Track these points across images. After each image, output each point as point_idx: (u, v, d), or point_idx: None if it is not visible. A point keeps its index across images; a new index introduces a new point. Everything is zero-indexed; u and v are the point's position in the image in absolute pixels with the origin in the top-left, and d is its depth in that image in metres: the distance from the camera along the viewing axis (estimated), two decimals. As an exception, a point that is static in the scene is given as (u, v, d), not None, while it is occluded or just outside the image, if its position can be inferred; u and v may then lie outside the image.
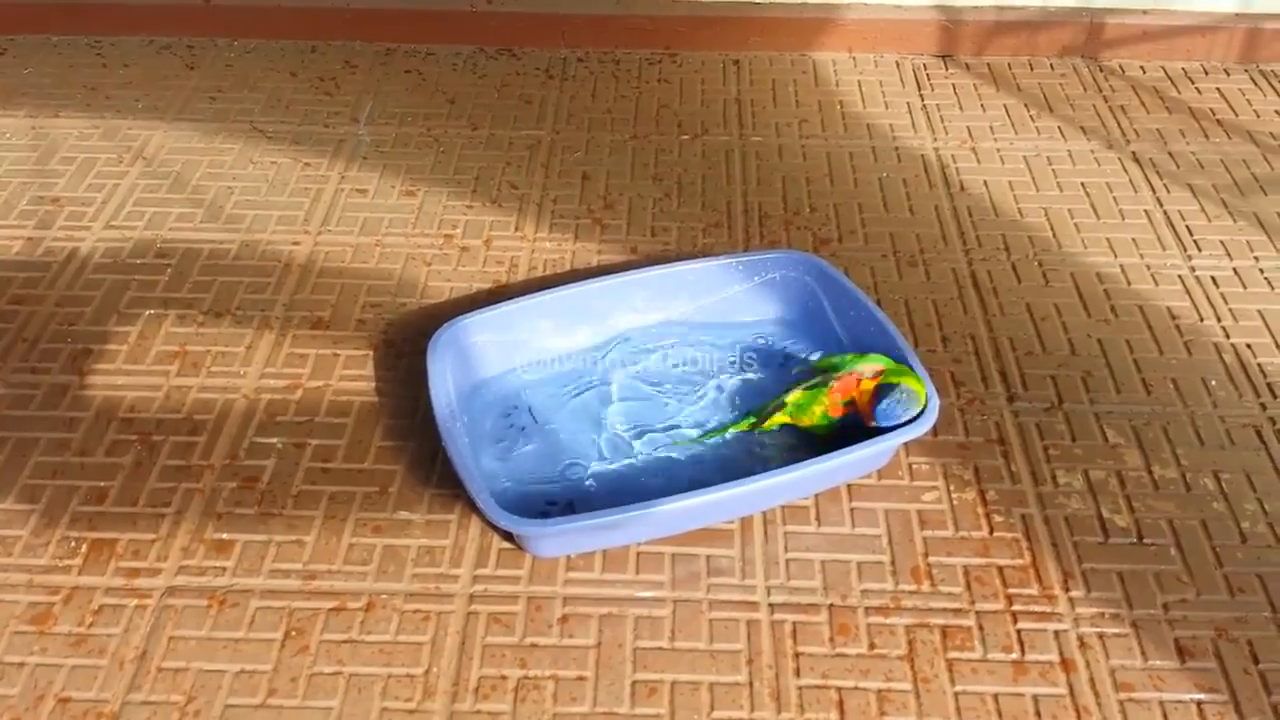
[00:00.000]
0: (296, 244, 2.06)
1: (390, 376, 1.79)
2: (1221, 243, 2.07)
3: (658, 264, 1.89)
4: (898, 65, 2.60)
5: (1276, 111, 2.44)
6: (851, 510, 1.58)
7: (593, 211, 2.15)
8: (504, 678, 1.38)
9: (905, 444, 1.63)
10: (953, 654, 1.41)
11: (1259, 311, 1.91)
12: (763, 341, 1.84)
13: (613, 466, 1.63)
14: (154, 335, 1.86)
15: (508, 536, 1.53)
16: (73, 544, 1.53)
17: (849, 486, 1.61)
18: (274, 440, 1.68)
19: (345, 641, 1.42)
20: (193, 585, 1.48)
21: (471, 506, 1.54)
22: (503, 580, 1.49)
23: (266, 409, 1.73)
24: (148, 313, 1.91)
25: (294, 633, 1.43)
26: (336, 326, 1.88)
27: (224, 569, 1.50)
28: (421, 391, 1.68)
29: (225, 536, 1.54)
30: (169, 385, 1.77)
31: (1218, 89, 2.52)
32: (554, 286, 1.82)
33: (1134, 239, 2.08)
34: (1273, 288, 1.97)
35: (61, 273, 1.99)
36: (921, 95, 2.49)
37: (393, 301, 1.93)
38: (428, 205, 2.16)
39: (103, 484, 1.61)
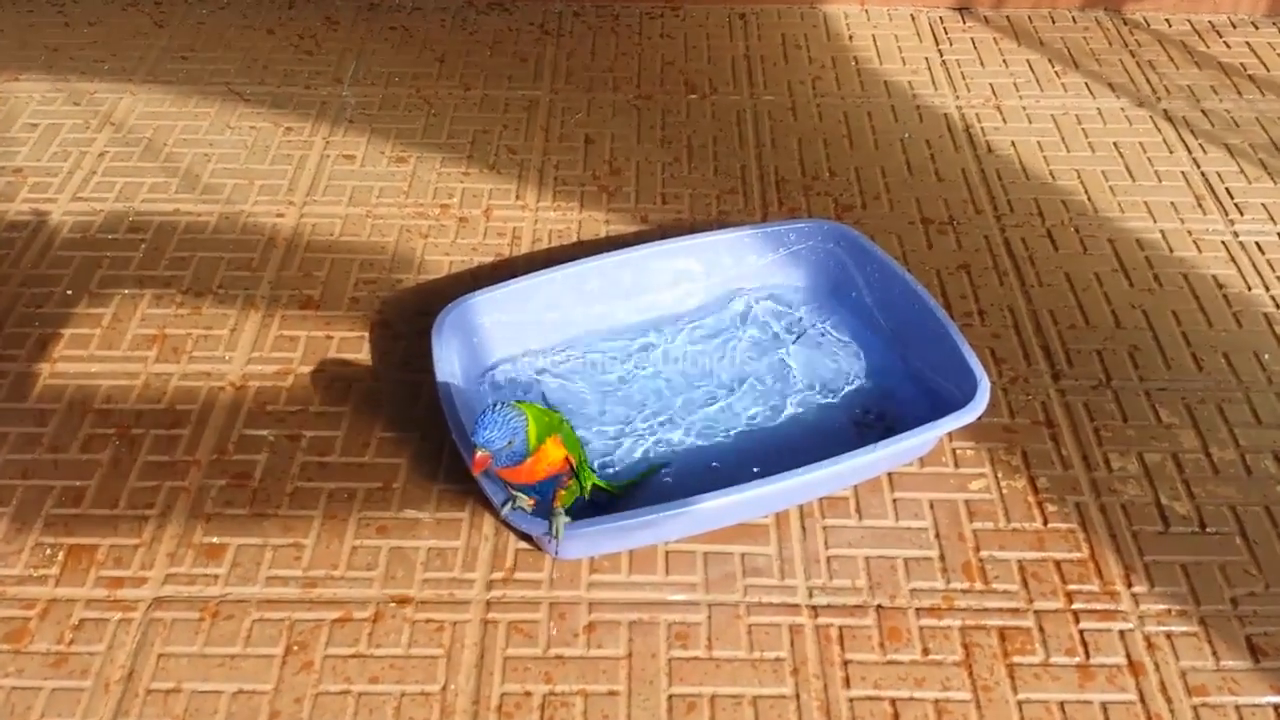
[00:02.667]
0: (281, 216, 1.91)
1: (389, 360, 1.65)
2: (1264, 205, 1.96)
3: (672, 235, 1.76)
4: (913, 19, 2.46)
5: (1311, 66, 2.33)
6: (894, 501, 1.47)
7: (598, 178, 2.01)
8: (528, 694, 1.27)
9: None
10: (1013, 659, 1.30)
11: (1309, 279, 1.81)
12: (790, 319, 1.71)
13: (633, 458, 1.51)
14: (129, 317, 1.72)
15: (525, 536, 1.41)
16: (48, 551, 1.40)
17: (890, 475, 1.50)
18: (265, 432, 1.55)
19: (353, 656, 1.30)
20: (182, 596, 1.36)
21: (484, 503, 1.42)
22: (522, 585, 1.37)
23: (255, 398, 1.59)
24: (122, 293, 1.76)
25: (295, 647, 1.30)
26: (328, 306, 1.74)
27: (216, 577, 1.37)
28: (424, 377, 1.55)
29: (216, 540, 1.41)
30: (148, 372, 1.63)
31: (1247, 43, 2.40)
32: (562, 261, 1.69)
33: (1172, 203, 1.96)
34: (1321, 254, 1.86)
35: (27, 249, 1.83)
36: (940, 50, 2.36)
37: (388, 278, 1.80)
38: (421, 172, 2.01)
39: (79, 484, 1.48)
